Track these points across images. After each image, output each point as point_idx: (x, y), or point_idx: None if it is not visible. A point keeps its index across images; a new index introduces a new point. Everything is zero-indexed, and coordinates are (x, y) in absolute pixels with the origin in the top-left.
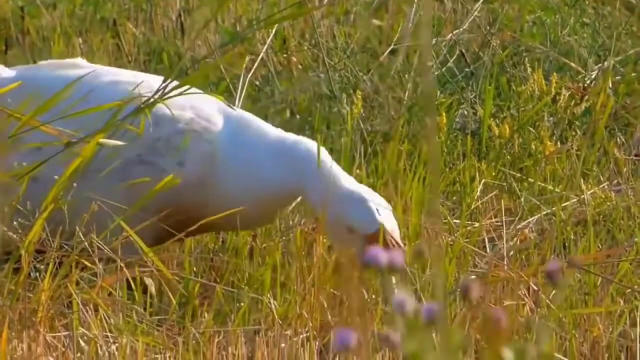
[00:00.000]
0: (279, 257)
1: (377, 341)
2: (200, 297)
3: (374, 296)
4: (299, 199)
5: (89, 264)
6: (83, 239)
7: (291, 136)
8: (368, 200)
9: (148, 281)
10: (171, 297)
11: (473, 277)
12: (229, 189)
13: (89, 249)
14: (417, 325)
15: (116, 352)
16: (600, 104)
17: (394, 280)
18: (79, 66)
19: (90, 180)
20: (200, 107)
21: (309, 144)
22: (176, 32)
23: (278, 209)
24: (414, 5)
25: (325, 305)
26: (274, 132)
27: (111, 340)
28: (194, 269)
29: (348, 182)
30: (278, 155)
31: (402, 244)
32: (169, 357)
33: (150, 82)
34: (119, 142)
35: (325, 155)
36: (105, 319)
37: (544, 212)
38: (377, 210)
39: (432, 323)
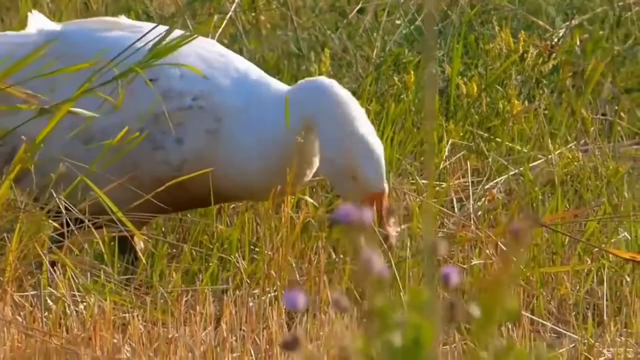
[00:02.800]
0: (247, 217)
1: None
2: (168, 257)
3: (341, 255)
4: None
5: (56, 225)
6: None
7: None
8: (381, 155)
9: (139, 245)
10: (140, 256)
11: (441, 236)
12: (235, 165)
13: (60, 209)
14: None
15: (84, 312)
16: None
17: (362, 238)
18: (120, 24)
19: (78, 148)
20: (217, 79)
21: (326, 80)
22: None
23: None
24: None
25: (293, 265)
26: (278, 83)
27: (79, 300)
28: (163, 229)
29: (366, 128)
30: (294, 102)
31: (392, 220)
32: (137, 316)
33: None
34: (89, 113)
35: (341, 92)
36: (74, 278)
37: (512, 172)
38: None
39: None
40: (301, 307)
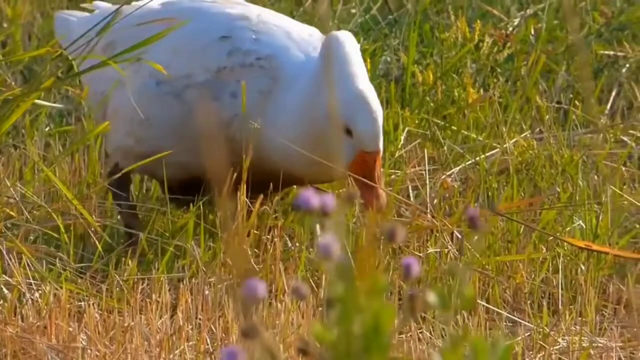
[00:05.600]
0: (202, 204)
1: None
2: (124, 245)
3: (297, 244)
4: None
5: (13, 213)
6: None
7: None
8: (379, 113)
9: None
10: (97, 244)
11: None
12: (283, 125)
13: (15, 198)
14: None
15: (39, 299)
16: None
17: (319, 225)
18: (233, 1)
19: (152, 85)
20: (291, 50)
21: (341, 35)
22: None
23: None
24: None
25: (249, 253)
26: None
27: (34, 288)
28: (119, 217)
29: (365, 85)
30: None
31: (382, 186)
32: (93, 304)
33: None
34: (56, 105)
35: (347, 47)
36: (29, 266)
37: (468, 161)
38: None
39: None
40: (261, 296)
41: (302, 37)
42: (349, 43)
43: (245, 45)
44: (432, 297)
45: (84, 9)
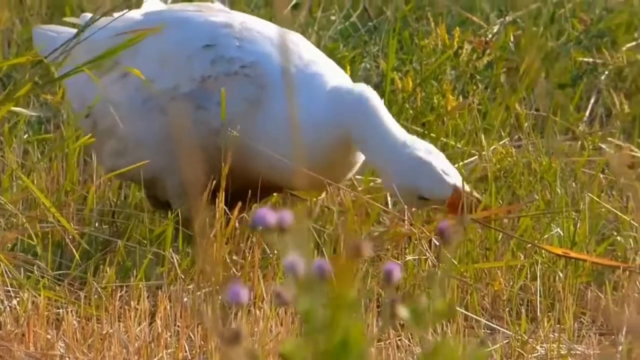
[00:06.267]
0: (180, 212)
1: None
2: (102, 252)
3: (276, 251)
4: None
5: None
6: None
7: (350, 84)
8: (432, 163)
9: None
10: (74, 251)
11: (376, 233)
12: (271, 135)
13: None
14: (310, 283)
15: (17, 307)
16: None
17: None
18: (211, 8)
19: (137, 104)
20: (275, 57)
21: (366, 91)
22: None
23: (334, 166)
24: None
25: (228, 260)
26: (336, 80)
27: (12, 295)
28: (97, 224)
29: (401, 134)
30: (330, 101)
31: (477, 196)
32: (71, 311)
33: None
34: (30, 112)
35: (377, 102)
36: (7, 273)
37: None
38: (443, 170)
39: (323, 279)
40: (244, 301)
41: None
42: (375, 99)
43: (228, 53)
44: (404, 312)
45: (64, 23)
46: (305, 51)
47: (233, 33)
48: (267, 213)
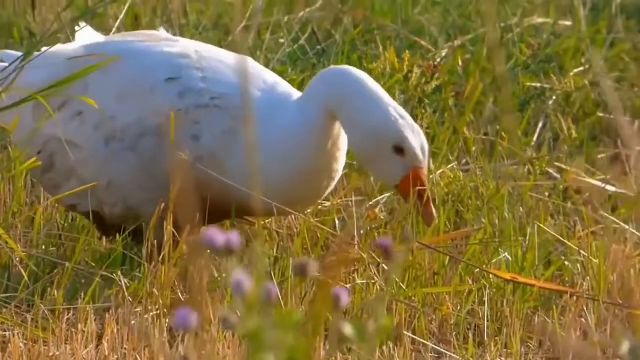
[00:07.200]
0: (129, 234)
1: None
2: (50, 274)
3: (224, 274)
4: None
5: None
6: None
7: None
8: (412, 123)
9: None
10: (23, 273)
11: (324, 255)
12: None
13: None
14: (255, 306)
15: None
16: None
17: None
18: (157, 37)
19: (100, 146)
20: (236, 84)
21: (349, 67)
22: (27, 7)
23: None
24: None
25: (176, 283)
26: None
27: None
28: (44, 246)
29: (389, 99)
30: (318, 82)
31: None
32: (18, 334)
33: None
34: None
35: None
36: None
37: (394, 192)
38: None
39: (270, 303)
40: (192, 327)
41: (249, 72)
42: (361, 74)
43: (196, 85)
44: (348, 330)
45: (11, 46)
46: (268, 75)
47: (193, 64)
48: (215, 235)
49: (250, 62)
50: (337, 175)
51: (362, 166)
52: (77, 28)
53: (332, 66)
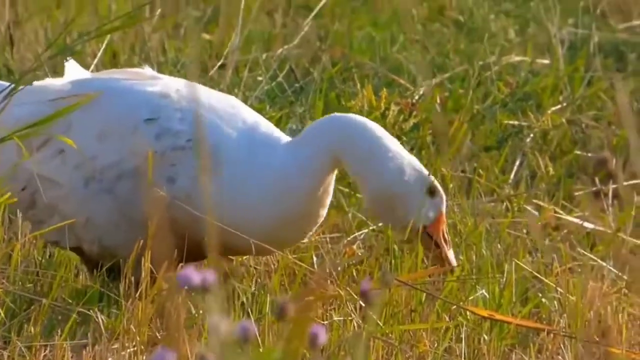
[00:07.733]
0: (106, 271)
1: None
2: (27, 311)
3: (201, 311)
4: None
5: None
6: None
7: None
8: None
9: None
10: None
11: (301, 292)
12: (238, 212)
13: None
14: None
15: None
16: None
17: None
18: (142, 74)
19: (79, 186)
20: (221, 127)
21: (355, 117)
22: (5, 45)
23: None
24: (239, 20)
25: (153, 320)
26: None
27: None
28: (21, 283)
29: (408, 156)
30: (316, 129)
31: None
32: None
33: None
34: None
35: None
36: None
37: (372, 228)
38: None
39: (247, 341)
40: None
41: (227, 111)
42: (370, 122)
43: (173, 127)
44: None
45: None
46: (247, 114)
47: (172, 104)
48: (191, 273)
49: (232, 100)
50: (321, 220)
51: (377, 211)
52: (65, 63)
53: (335, 113)
